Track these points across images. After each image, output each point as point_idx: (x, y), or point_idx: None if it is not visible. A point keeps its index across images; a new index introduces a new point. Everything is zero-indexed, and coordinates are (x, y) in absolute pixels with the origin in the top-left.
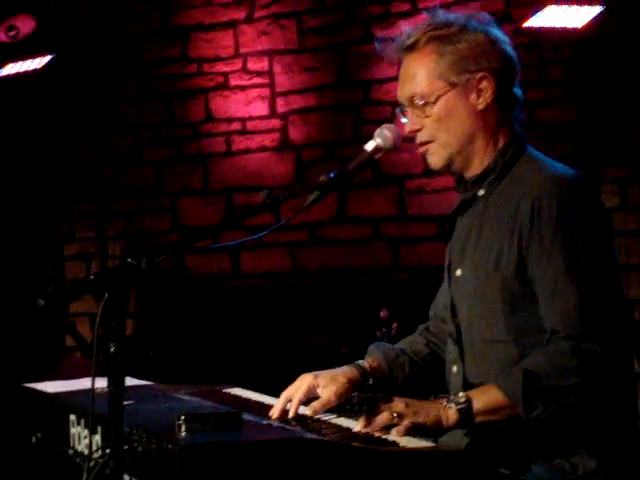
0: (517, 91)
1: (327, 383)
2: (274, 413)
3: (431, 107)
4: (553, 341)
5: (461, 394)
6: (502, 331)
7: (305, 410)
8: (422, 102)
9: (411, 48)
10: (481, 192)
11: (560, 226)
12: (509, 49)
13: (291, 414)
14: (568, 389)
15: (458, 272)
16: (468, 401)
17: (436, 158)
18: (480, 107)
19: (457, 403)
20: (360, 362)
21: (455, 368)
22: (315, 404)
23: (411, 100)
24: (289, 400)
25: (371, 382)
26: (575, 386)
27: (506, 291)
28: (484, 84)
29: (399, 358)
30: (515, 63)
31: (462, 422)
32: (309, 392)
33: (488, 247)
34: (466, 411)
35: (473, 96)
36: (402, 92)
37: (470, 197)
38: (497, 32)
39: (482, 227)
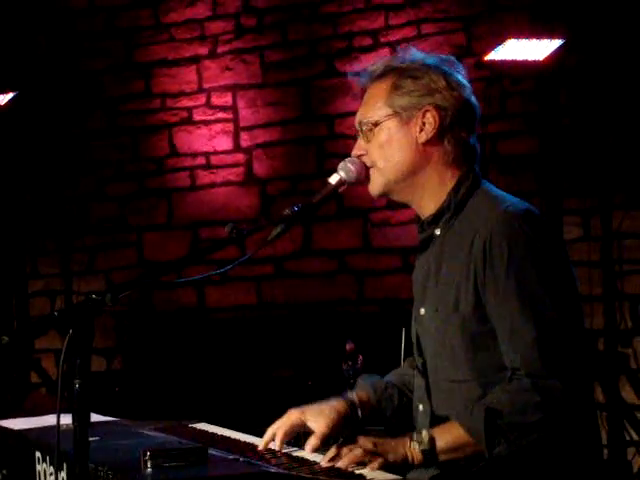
0: (473, 140)
1: (316, 416)
2: (261, 446)
3: (373, 132)
4: (514, 378)
5: (424, 433)
6: (465, 371)
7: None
8: (366, 127)
9: (373, 77)
10: (438, 231)
11: (512, 264)
12: (468, 96)
13: (278, 446)
14: (530, 425)
15: (422, 311)
16: (431, 440)
17: (373, 185)
18: (421, 140)
19: (420, 443)
20: (349, 395)
21: (422, 407)
22: (311, 440)
23: (360, 124)
24: (274, 435)
25: (360, 415)
26: (537, 422)
27: (466, 330)
28: (428, 118)
29: (388, 390)
30: (473, 111)
31: (426, 461)
32: (295, 426)
33: (447, 287)
34: (429, 451)
35: (415, 128)
36: (356, 117)
37: (428, 237)
38: (460, 78)
39: (440, 267)
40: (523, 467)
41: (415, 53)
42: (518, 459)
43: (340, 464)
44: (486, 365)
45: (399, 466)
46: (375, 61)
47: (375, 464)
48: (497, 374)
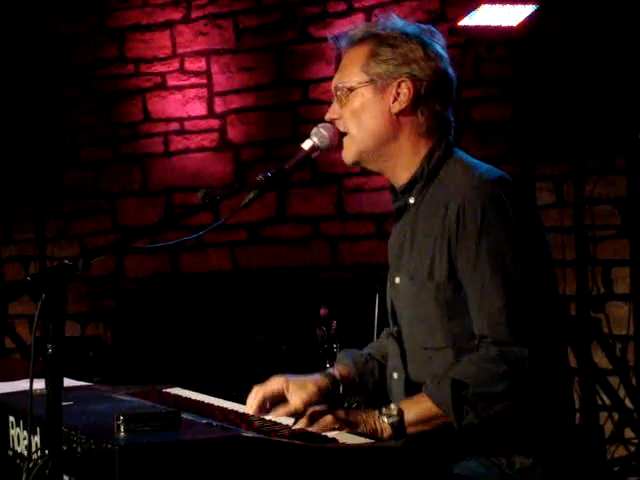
0: (448, 114)
1: (297, 389)
2: (250, 410)
3: (348, 98)
4: (481, 347)
5: (392, 406)
6: (440, 338)
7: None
8: (341, 92)
9: (352, 42)
10: (411, 200)
11: (485, 230)
12: (445, 67)
13: (255, 406)
14: (498, 395)
15: (397, 280)
16: (400, 413)
17: (346, 152)
18: (394, 110)
19: (389, 416)
20: (330, 370)
21: (396, 374)
22: (280, 409)
23: (336, 89)
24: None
25: (341, 390)
26: (505, 391)
27: (441, 298)
28: (402, 88)
29: (368, 364)
30: (449, 82)
31: (396, 434)
32: (276, 392)
33: (421, 255)
34: (398, 424)
35: (389, 98)
36: (333, 80)
37: (402, 205)
38: (439, 49)
39: (414, 235)
40: (492, 434)
41: (396, 21)
42: (487, 428)
43: (312, 429)
44: (461, 332)
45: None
46: (355, 25)
47: (343, 431)
48: (471, 341)
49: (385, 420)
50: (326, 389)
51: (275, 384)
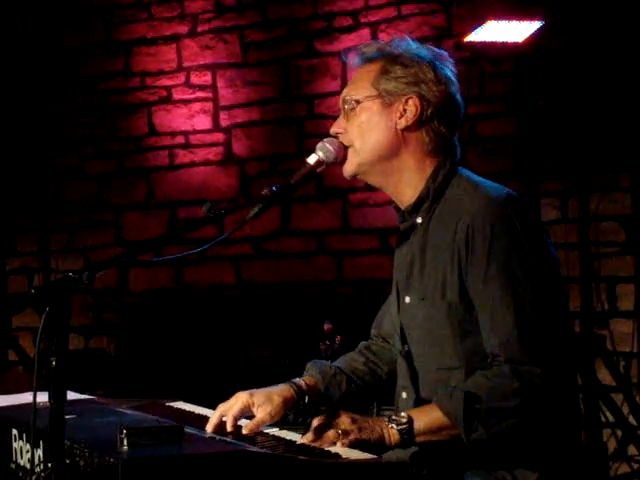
0: (454, 139)
1: (262, 402)
2: (208, 428)
3: (355, 111)
4: (494, 364)
5: (403, 413)
6: (453, 358)
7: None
8: (349, 105)
9: (365, 59)
10: (419, 220)
11: (495, 250)
12: (454, 93)
13: (229, 429)
14: (509, 411)
15: (407, 299)
16: (409, 422)
17: (347, 164)
18: (400, 126)
19: (399, 423)
20: (296, 380)
21: (405, 394)
22: (250, 424)
23: (344, 101)
24: (223, 415)
25: (307, 400)
26: (515, 408)
27: (453, 318)
28: (410, 105)
29: (336, 377)
30: (456, 108)
31: (403, 442)
32: (243, 410)
33: (432, 275)
34: (407, 432)
35: (396, 113)
36: (341, 94)
37: (409, 226)
38: (449, 74)
39: (424, 255)
40: (499, 449)
41: (409, 42)
42: (495, 443)
43: (316, 444)
44: (474, 351)
45: (374, 446)
46: (368, 43)
47: (346, 440)
48: (484, 361)
49: (394, 427)
50: (291, 399)
51: (240, 401)
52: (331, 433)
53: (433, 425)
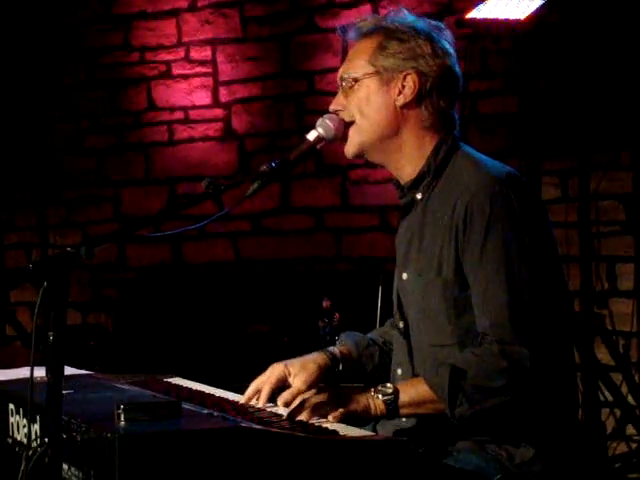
0: (454, 111)
1: (298, 371)
2: (243, 401)
3: (353, 89)
4: (484, 343)
5: (389, 385)
6: (448, 335)
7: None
8: (347, 83)
9: (361, 34)
10: (419, 196)
11: (492, 229)
12: (452, 65)
13: (261, 403)
14: (494, 390)
15: (404, 276)
16: (395, 392)
17: (348, 145)
18: (398, 103)
19: (384, 394)
20: (331, 348)
21: (400, 371)
22: (285, 394)
23: (341, 79)
24: (258, 389)
25: (341, 368)
26: (502, 388)
27: (448, 295)
28: (408, 82)
29: (369, 348)
30: (455, 80)
31: (389, 412)
32: (279, 381)
33: (430, 252)
34: (392, 402)
35: (394, 90)
36: (339, 71)
37: (409, 201)
38: (447, 46)
39: (423, 231)
40: (495, 429)
41: (406, 15)
42: (480, 420)
43: (302, 417)
44: (468, 329)
45: (361, 418)
46: (364, 17)
47: (337, 413)
48: (478, 338)
49: (380, 397)
50: (325, 366)
51: (276, 372)
52: (313, 399)
53: (418, 397)
